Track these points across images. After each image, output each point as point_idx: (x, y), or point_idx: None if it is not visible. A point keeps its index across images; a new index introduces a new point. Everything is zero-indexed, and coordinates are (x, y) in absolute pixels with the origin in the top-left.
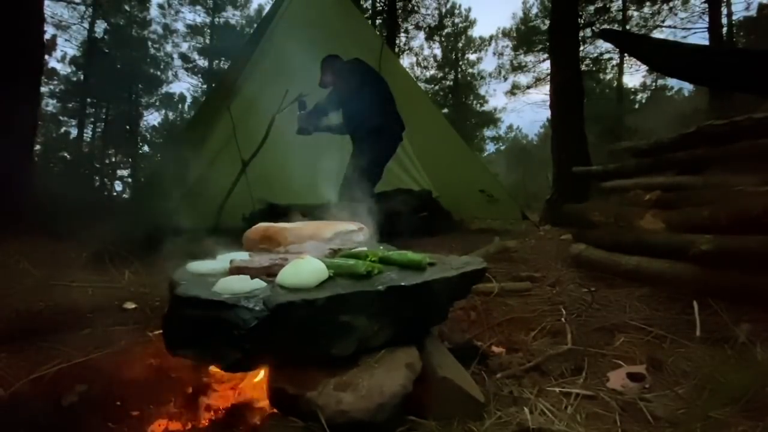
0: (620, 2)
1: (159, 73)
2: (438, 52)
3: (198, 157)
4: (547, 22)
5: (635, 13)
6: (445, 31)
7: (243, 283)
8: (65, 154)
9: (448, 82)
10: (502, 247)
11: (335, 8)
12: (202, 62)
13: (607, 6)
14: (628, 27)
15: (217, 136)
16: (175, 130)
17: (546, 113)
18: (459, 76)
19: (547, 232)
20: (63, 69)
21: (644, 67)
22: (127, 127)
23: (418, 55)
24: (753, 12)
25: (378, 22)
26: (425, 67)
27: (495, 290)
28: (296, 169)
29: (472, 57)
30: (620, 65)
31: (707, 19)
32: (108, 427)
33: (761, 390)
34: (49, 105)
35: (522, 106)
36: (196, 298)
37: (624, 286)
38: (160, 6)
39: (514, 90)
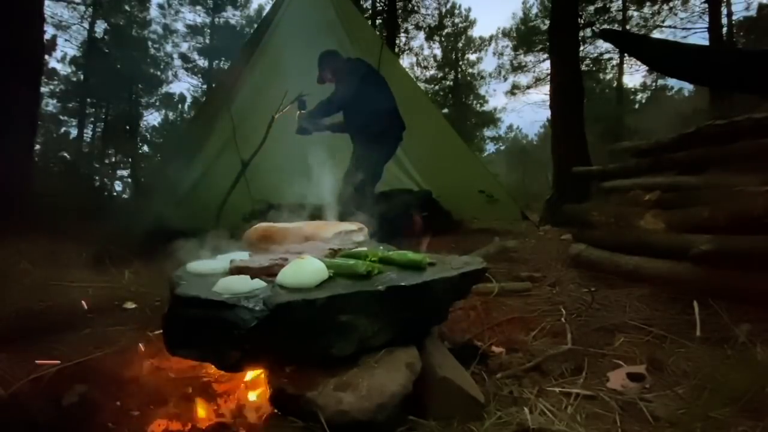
0: (620, 2)
1: (159, 73)
2: (438, 52)
3: (198, 157)
4: (547, 22)
5: (635, 13)
6: (445, 31)
7: (243, 283)
8: (65, 154)
9: (448, 82)
10: (502, 247)
11: (335, 8)
12: (202, 62)
13: (607, 6)
14: (628, 27)
15: (217, 137)
16: (175, 130)
17: (546, 113)
18: (459, 76)
19: (547, 232)
20: (63, 69)
21: (644, 67)
22: (127, 127)
23: (418, 55)
24: (753, 12)
25: (378, 22)
26: (425, 67)
27: (495, 290)
28: (296, 169)
29: (472, 57)
30: (620, 65)
31: (707, 19)
32: (108, 427)
33: (761, 390)
34: (49, 105)
35: (522, 106)
36: (196, 298)
37: (624, 286)
38: (160, 6)
39: (514, 90)
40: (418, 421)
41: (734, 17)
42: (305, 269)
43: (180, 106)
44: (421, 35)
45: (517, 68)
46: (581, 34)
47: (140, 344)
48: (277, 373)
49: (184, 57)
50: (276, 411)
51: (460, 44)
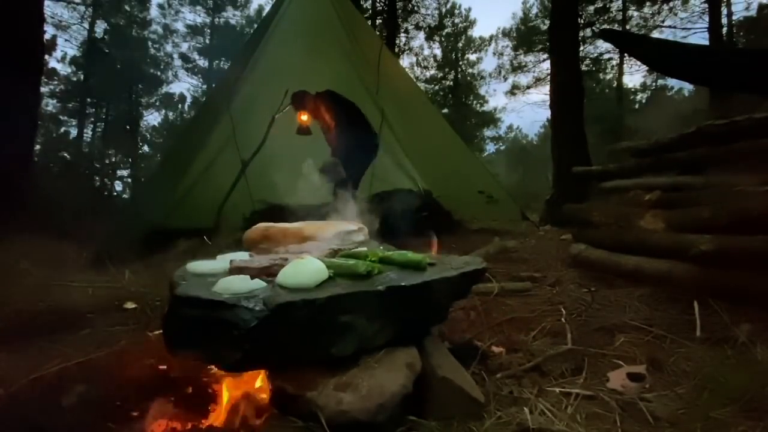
0: (620, 2)
1: (159, 73)
2: (438, 52)
3: (198, 157)
4: (547, 22)
5: (635, 13)
6: (445, 31)
7: (243, 283)
8: (65, 154)
9: (448, 82)
10: (502, 247)
11: (335, 8)
12: (202, 62)
13: (607, 6)
14: (628, 27)
15: (217, 137)
16: (175, 130)
17: (546, 113)
18: (459, 76)
19: (547, 232)
20: (63, 69)
21: (644, 67)
22: (127, 127)
23: (418, 55)
24: (753, 12)
25: (378, 22)
26: (425, 67)
27: (495, 290)
28: (296, 169)
29: (472, 57)
30: (620, 65)
31: (707, 19)
32: (108, 427)
33: (761, 390)
34: (49, 105)
35: (522, 106)
36: (196, 298)
37: (624, 286)
38: (160, 6)
39: (514, 90)
40: (418, 421)
41: (734, 17)
42: (305, 269)
43: (180, 106)
44: (421, 35)
45: (517, 68)
46: (581, 34)
47: (140, 344)
48: (277, 373)
49: (184, 57)
50: (276, 411)
51: (460, 44)
